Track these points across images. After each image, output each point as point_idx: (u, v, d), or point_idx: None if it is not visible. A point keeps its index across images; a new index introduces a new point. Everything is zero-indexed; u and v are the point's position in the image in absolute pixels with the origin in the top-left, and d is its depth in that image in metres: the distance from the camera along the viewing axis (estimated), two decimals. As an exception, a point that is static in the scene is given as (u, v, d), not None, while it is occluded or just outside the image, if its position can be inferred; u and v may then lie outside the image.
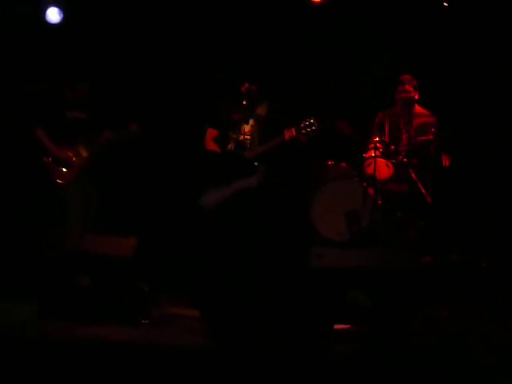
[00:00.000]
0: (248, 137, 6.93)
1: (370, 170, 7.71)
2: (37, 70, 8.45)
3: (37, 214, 8.01)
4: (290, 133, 6.75)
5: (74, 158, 7.49)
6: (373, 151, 7.69)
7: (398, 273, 6.13)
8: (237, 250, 6.75)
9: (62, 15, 8.17)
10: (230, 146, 6.92)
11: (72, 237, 7.15)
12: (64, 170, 7.49)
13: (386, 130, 7.89)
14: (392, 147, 7.74)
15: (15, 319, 6.16)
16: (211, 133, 7.12)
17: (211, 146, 7.09)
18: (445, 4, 8.23)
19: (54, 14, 8.16)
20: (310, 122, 6.68)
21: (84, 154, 7.53)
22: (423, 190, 7.47)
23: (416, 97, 7.86)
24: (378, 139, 7.76)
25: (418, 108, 7.92)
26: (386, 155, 7.73)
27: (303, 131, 6.70)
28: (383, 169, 7.69)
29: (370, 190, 7.76)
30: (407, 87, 7.82)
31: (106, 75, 8.32)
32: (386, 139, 7.80)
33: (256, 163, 6.86)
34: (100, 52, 8.56)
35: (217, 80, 8.28)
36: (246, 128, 6.96)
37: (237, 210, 6.78)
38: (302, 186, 8.35)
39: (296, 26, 8.71)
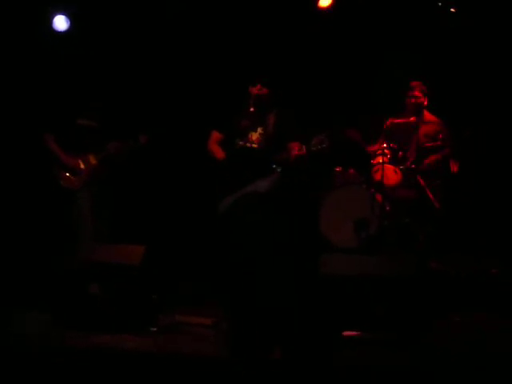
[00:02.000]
0: (255, 145, 6.84)
1: (377, 176, 7.71)
2: (46, 78, 8.47)
3: (47, 222, 8.04)
4: (299, 150, 6.58)
5: (82, 166, 7.50)
6: (381, 157, 7.69)
7: (406, 279, 6.10)
8: (244, 257, 6.71)
9: (69, 23, 8.17)
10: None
11: (81, 245, 7.17)
12: (72, 177, 7.50)
13: (395, 135, 7.89)
14: (400, 153, 7.75)
15: (28, 329, 6.15)
16: (216, 136, 7.02)
17: (214, 148, 6.98)
18: (452, 10, 8.18)
19: (61, 22, 8.16)
20: (321, 139, 6.52)
21: (93, 161, 7.54)
22: (431, 196, 7.48)
23: (425, 103, 7.87)
24: (385, 145, 7.76)
25: (426, 114, 7.93)
26: (394, 161, 7.73)
27: (314, 148, 6.54)
28: (391, 175, 7.70)
29: (378, 197, 7.76)
30: (417, 93, 7.84)
31: (116, 83, 8.30)
32: (394, 145, 7.79)
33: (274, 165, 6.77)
34: (109, 59, 8.56)
35: (225, 85, 8.30)
36: (254, 136, 6.84)
37: (243, 215, 6.72)
38: (311, 193, 8.34)
39: (308, 33, 8.70)
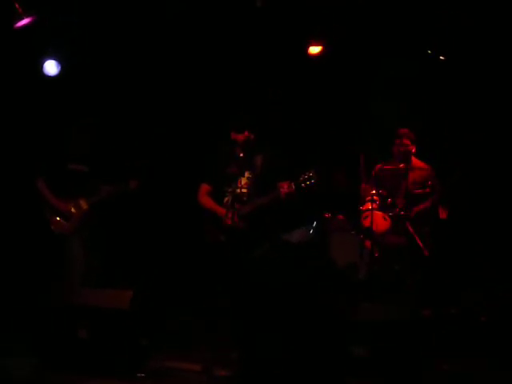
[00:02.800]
0: (245, 190, 6.86)
1: (367, 222, 7.73)
2: (37, 122, 8.51)
3: (36, 266, 8.02)
4: (289, 188, 6.64)
5: (73, 210, 7.51)
6: (370, 204, 7.73)
7: (396, 325, 6.10)
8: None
9: (59, 67, 8.22)
10: (227, 200, 6.86)
11: (71, 289, 7.14)
12: (64, 221, 7.50)
13: (383, 182, 7.92)
14: (389, 200, 7.77)
15: (15, 373, 6.11)
16: (205, 188, 7.05)
17: (205, 200, 7.01)
18: (441, 58, 8.28)
19: (51, 67, 8.21)
20: (308, 176, 6.58)
21: (84, 206, 7.54)
22: (420, 243, 7.48)
23: (413, 150, 7.91)
24: (374, 191, 7.79)
25: (415, 161, 7.96)
26: (383, 208, 7.76)
27: (303, 185, 6.59)
28: (380, 221, 7.71)
29: (368, 243, 7.79)
30: (405, 141, 7.86)
31: (107, 127, 8.34)
32: (383, 192, 7.82)
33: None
34: (99, 103, 8.61)
35: (213, 133, 8.34)
36: (243, 180, 6.89)
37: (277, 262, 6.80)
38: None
39: (296, 77, 8.79)
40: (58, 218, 7.50)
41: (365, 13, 7.86)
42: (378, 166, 8.02)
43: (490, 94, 8.39)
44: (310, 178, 6.54)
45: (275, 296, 6.71)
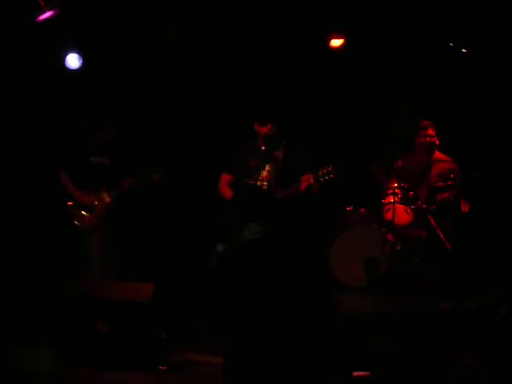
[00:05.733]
0: (265, 183, 6.89)
1: (388, 215, 7.72)
2: (60, 116, 8.54)
3: (58, 259, 8.05)
4: (307, 181, 6.67)
5: (96, 203, 7.53)
6: (392, 197, 7.70)
7: (416, 319, 6.07)
8: (254, 297, 6.72)
9: (81, 61, 8.23)
10: (247, 193, 6.90)
11: (91, 282, 7.17)
12: (86, 214, 7.53)
13: (405, 175, 7.89)
14: (411, 193, 7.74)
15: (31, 367, 6.13)
16: (226, 177, 7.07)
17: (226, 191, 7.03)
18: (463, 50, 8.21)
19: (73, 60, 8.22)
20: (327, 170, 6.60)
21: (107, 199, 7.55)
22: (442, 236, 7.45)
23: (437, 142, 7.87)
24: (396, 185, 7.76)
25: (437, 153, 7.93)
26: (404, 201, 7.72)
27: (321, 179, 6.61)
28: (402, 215, 7.70)
29: (389, 236, 7.76)
30: (430, 131, 7.84)
31: (129, 120, 8.36)
32: (405, 185, 7.79)
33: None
34: (122, 97, 8.62)
35: (236, 125, 8.34)
36: (264, 173, 6.92)
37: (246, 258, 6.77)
38: (322, 232, 8.34)
39: (317, 70, 8.76)
40: (81, 211, 7.53)
41: (375, 10, 7.83)
42: (401, 158, 7.99)
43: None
44: (328, 173, 6.56)
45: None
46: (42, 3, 7.22)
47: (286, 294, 6.74)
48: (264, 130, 6.92)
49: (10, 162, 8.36)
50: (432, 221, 7.54)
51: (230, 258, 6.78)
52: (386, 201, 7.87)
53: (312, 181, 6.64)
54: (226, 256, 6.81)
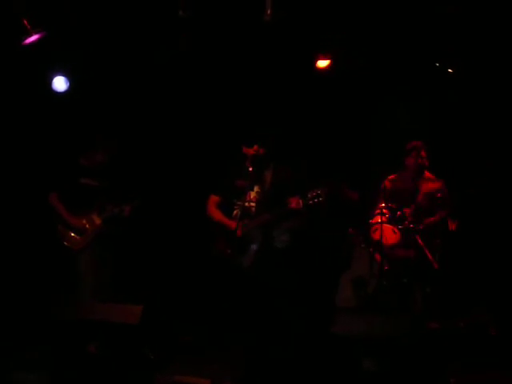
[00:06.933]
0: (253, 204, 6.90)
1: (376, 235, 7.73)
2: (49, 138, 8.55)
3: (47, 280, 8.04)
4: (296, 204, 6.66)
5: (87, 226, 7.51)
6: (379, 217, 7.72)
7: (404, 339, 6.08)
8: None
9: (68, 83, 8.24)
10: (236, 213, 6.89)
11: (81, 303, 7.14)
12: (77, 236, 7.50)
13: (393, 195, 7.91)
14: (398, 213, 7.76)
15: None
16: (214, 199, 7.09)
17: (214, 212, 7.05)
18: (449, 70, 8.25)
19: (60, 83, 8.23)
20: (317, 193, 6.59)
21: (97, 221, 7.53)
22: (430, 256, 7.47)
23: (427, 163, 7.91)
24: (384, 205, 7.79)
25: (427, 173, 7.96)
26: (392, 221, 7.75)
27: (310, 202, 6.61)
28: (390, 234, 7.71)
29: (377, 256, 7.78)
30: (423, 153, 7.87)
31: (118, 142, 8.35)
32: (393, 205, 7.81)
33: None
34: (110, 118, 8.64)
35: (223, 146, 8.36)
36: (252, 194, 6.92)
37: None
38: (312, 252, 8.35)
39: (304, 92, 8.80)
40: (71, 233, 7.50)
41: (372, 25, 7.86)
42: (388, 178, 8.02)
43: (501, 107, 8.37)
44: (318, 196, 6.56)
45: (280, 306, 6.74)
46: (29, 26, 7.24)
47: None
48: (251, 151, 6.93)
49: (1, 182, 8.37)
50: (419, 241, 7.55)
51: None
52: (374, 221, 7.90)
53: (301, 205, 6.63)
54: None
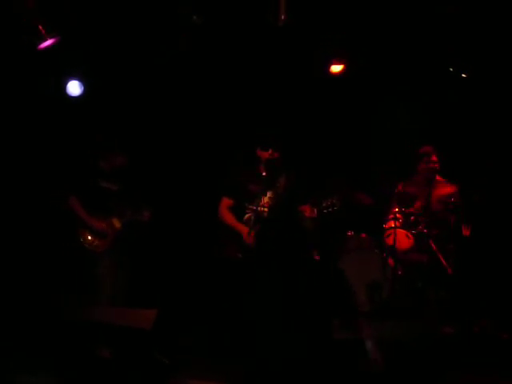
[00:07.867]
0: (266, 209, 6.89)
1: (390, 240, 7.74)
2: (68, 141, 8.57)
3: (67, 284, 8.05)
4: (311, 213, 6.65)
5: (108, 230, 7.51)
6: (393, 222, 7.72)
7: (418, 344, 6.07)
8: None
9: (82, 88, 8.28)
10: (247, 217, 6.89)
11: (98, 307, 7.15)
12: (97, 240, 7.50)
13: (407, 200, 7.90)
14: (412, 218, 7.75)
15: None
16: (226, 202, 7.07)
17: (226, 215, 7.04)
18: (463, 75, 8.24)
19: (74, 87, 8.27)
20: (332, 202, 6.58)
21: (117, 225, 7.53)
22: (443, 261, 7.46)
23: (438, 168, 7.91)
24: (397, 210, 7.79)
25: (439, 178, 7.96)
26: (405, 226, 7.74)
27: (325, 211, 6.60)
28: (403, 239, 7.71)
29: (391, 261, 7.78)
30: (434, 157, 7.87)
31: (136, 145, 8.37)
32: (406, 210, 7.81)
33: None
34: (134, 122, 8.67)
35: (238, 149, 8.36)
36: (265, 199, 6.91)
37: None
38: (324, 257, 8.34)
39: (318, 96, 8.81)
40: (90, 237, 7.50)
41: (372, 25, 7.87)
42: (401, 183, 8.02)
43: (501, 107, 8.37)
44: (333, 205, 6.55)
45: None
46: (43, 31, 7.27)
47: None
48: (265, 155, 6.93)
49: (22, 186, 8.40)
50: (433, 245, 7.55)
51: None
52: (387, 226, 7.90)
53: (315, 213, 6.63)
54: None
